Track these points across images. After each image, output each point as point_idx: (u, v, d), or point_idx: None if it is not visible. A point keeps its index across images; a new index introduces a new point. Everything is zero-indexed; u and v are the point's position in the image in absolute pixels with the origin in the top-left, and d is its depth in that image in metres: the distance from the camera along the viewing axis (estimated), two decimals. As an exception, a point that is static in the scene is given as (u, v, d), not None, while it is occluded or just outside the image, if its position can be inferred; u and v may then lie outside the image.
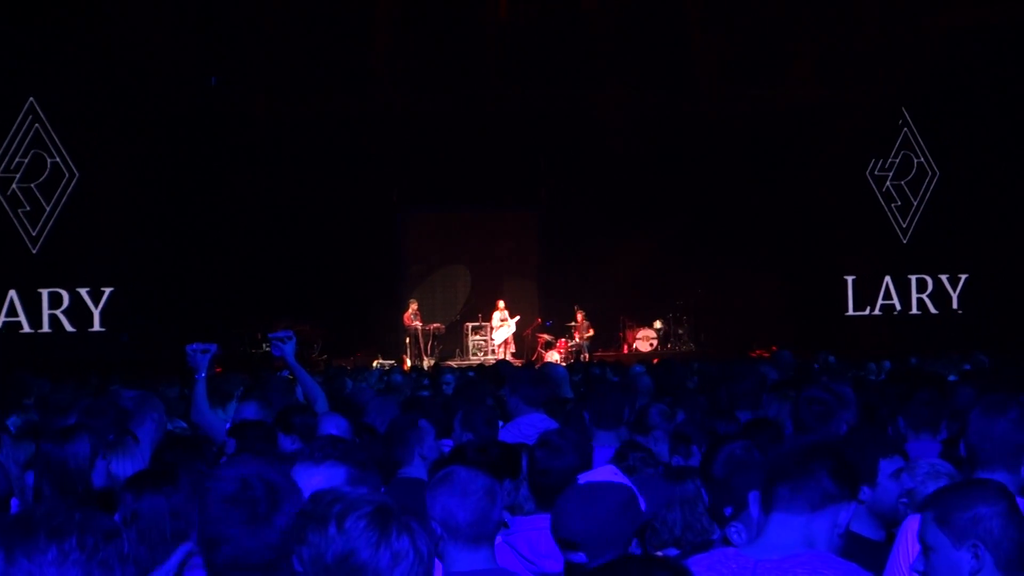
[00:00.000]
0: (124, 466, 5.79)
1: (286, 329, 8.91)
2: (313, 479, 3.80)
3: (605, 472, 4.30)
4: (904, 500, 4.99)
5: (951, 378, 12.31)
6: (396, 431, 6.94)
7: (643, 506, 4.14)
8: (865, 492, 4.97)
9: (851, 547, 4.59)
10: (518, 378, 8.70)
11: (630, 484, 4.19)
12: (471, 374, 15.20)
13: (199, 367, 8.23)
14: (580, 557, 4.03)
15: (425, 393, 12.06)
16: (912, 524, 4.61)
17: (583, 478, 4.33)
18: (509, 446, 6.22)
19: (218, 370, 23.42)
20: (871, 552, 4.75)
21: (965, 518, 3.75)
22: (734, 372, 9.83)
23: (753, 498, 4.01)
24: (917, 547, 3.95)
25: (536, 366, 18.87)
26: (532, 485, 5.41)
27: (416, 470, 6.67)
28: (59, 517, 2.76)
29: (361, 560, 2.84)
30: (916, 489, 5.34)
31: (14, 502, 5.83)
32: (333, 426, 6.82)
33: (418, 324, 28.54)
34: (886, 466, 5.01)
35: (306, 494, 3.61)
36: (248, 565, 3.33)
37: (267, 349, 25.02)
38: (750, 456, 5.25)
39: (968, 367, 14.62)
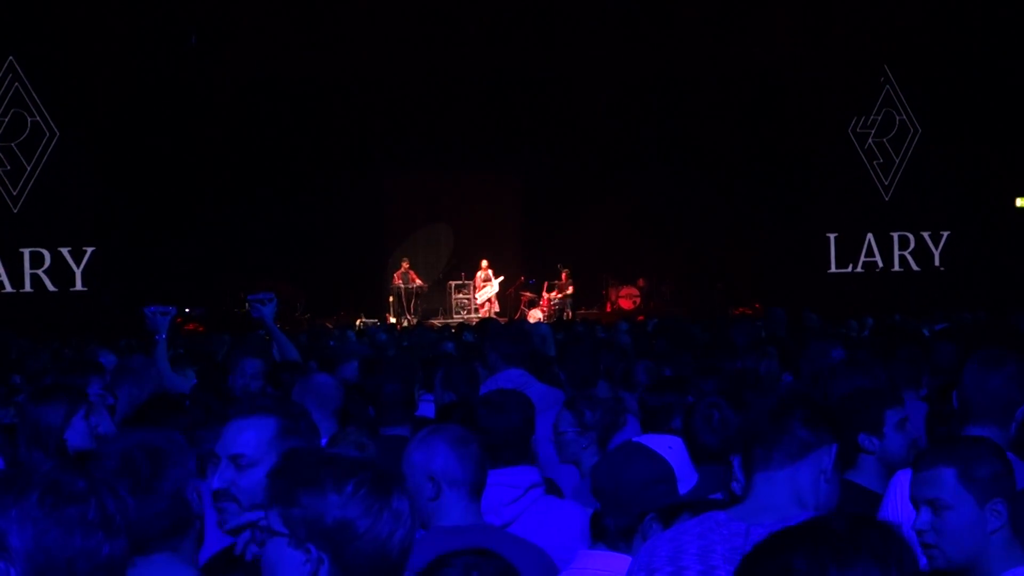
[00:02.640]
0: (106, 426, 5.79)
1: (267, 290, 8.90)
2: (244, 432, 3.77)
3: (663, 441, 4.28)
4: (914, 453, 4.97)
5: (925, 332, 12.39)
6: (387, 392, 6.95)
7: (685, 487, 4.11)
8: (873, 443, 4.99)
9: (856, 499, 4.61)
10: (497, 334, 8.68)
11: (678, 461, 4.17)
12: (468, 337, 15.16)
13: (159, 328, 8.22)
14: (599, 507, 4.10)
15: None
16: (902, 480, 4.58)
17: (639, 438, 4.35)
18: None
19: (200, 329, 23.53)
20: (874, 504, 4.76)
21: (990, 474, 3.69)
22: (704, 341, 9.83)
23: (736, 462, 4.00)
24: (907, 506, 3.90)
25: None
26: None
27: (400, 428, 6.68)
28: (28, 476, 2.76)
29: (364, 526, 2.84)
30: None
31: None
32: (321, 382, 6.84)
33: (400, 283, 28.54)
34: (891, 416, 5.01)
35: (239, 448, 3.70)
36: (144, 537, 3.31)
37: (248, 310, 24.97)
38: (724, 415, 5.27)
39: (946, 324, 14.64)
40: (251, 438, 3.74)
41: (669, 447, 4.17)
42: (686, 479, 4.11)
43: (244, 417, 3.86)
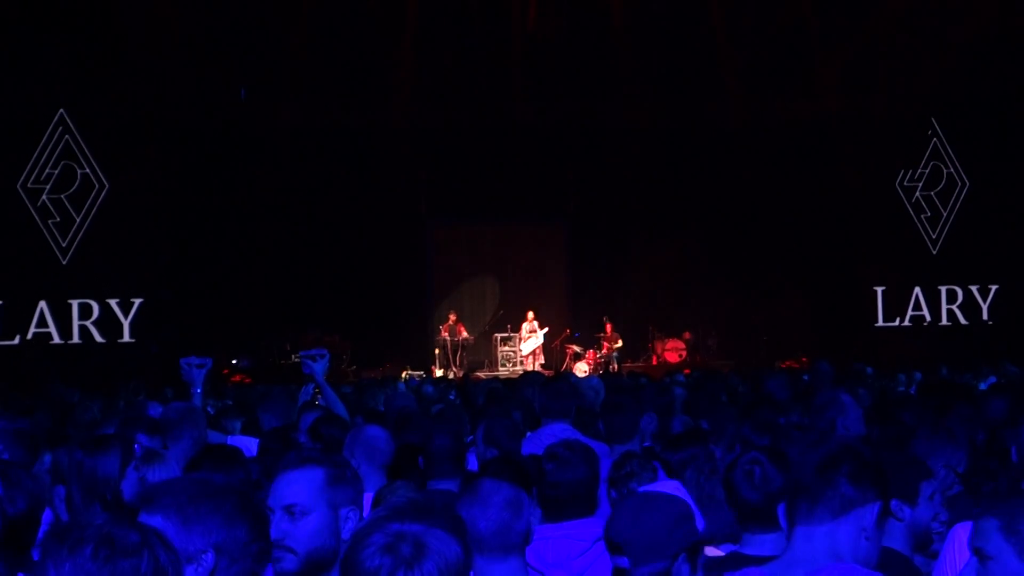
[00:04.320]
0: (159, 477, 5.78)
1: (317, 344, 8.92)
2: (295, 484, 3.96)
3: (668, 485, 4.30)
4: (936, 524, 4.95)
5: (982, 386, 12.27)
6: (437, 446, 6.94)
7: (700, 525, 4.13)
8: (905, 512, 4.96)
9: (884, 559, 4.58)
10: (543, 388, 8.68)
11: (689, 500, 4.18)
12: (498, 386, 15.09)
13: (194, 382, 8.22)
14: (623, 561, 4.04)
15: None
16: (960, 533, 4.59)
17: (643, 488, 4.35)
18: (528, 460, 6.21)
19: (247, 380, 23.60)
20: (902, 565, 4.74)
21: None
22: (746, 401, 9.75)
23: (780, 511, 4.00)
24: (964, 555, 3.90)
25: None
26: (541, 496, 5.43)
27: (448, 483, 6.67)
28: (81, 529, 2.81)
29: None
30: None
31: (47, 513, 5.85)
32: (372, 436, 6.83)
33: (446, 335, 28.55)
34: (926, 488, 4.98)
35: (291, 498, 3.90)
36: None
37: (296, 360, 25.05)
38: (766, 471, 5.25)
39: (994, 379, 14.51)
40: (302, 488, 3.91)
41: (676, 490, 4.20)
42: (698, 519, 4.13)
43: (292, 469, 4.00)
